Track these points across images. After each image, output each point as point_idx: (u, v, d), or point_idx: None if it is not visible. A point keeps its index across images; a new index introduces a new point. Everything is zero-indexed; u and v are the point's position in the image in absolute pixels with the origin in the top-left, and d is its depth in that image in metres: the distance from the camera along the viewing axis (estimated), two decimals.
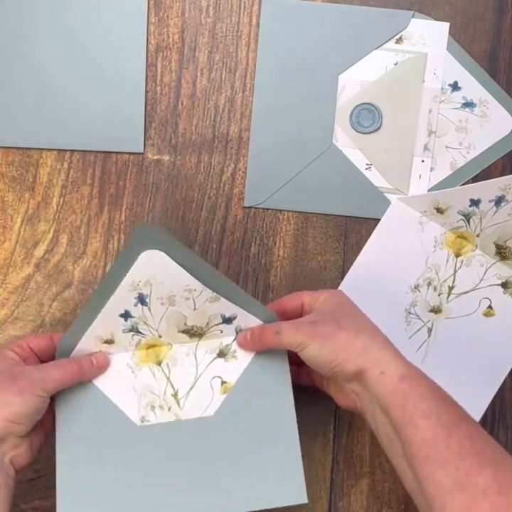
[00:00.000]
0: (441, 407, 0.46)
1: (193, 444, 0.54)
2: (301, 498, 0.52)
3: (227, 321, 0.55)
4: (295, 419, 0.54)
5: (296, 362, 0.55)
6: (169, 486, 0.52)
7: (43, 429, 0.53)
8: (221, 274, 0.53)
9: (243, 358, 0.55)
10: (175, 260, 0.50)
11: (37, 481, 0.60)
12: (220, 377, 0.55)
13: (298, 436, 0.54)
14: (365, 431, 0.63)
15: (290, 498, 0.52)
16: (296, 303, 0.56)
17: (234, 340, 0.55)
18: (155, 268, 0.50)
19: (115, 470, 0.52)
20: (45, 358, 0.54)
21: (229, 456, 0.53)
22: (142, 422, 0.54)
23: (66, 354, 0.54)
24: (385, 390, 0.47)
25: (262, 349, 0.54)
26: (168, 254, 0.50)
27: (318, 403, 0.60)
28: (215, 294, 0.52)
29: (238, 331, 0.55)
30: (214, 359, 0.55)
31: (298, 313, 0.55)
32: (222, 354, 0.55)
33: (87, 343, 0.54)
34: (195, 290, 0.52)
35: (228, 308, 0.54)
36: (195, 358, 0.56)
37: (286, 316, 0.55)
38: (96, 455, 0.53)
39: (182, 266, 0.50)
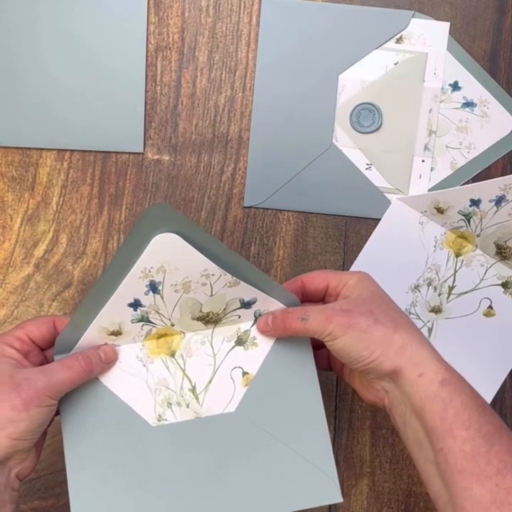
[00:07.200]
0: (482, 417, 0.43)
1: (214, 444, 0.49)
2: (336, 496, 0.49)
3: (246, 305, 0.50)
4: (323, 411, 0.49)
5: (313, 345, 0.51)
6: (190, 491, 0.48)
7: (46, 430, 0.49)
8: (238, 254, 0.49)
9: (264, 345, 0.50)
10: (189, 242, 0.45)
11: (37, 481, 0.60)
12: (240, 367, 0.50)
13: (327, 428, 0.49)
14: (365, 431, 0.63)
15: (324, 497, 0.48)
16: (319, 284, 0.51)
17: (253, 325, 0.51)
18: (169, 253, 0.45)
19: (131, 477, 0.48)
20: (49, 346, 0.50)
21: (254, 456, 0.49)
22: (159, 420, 0.49)
23: (67, 347, 0.49)
24: (423, 395, 0.44)
25: (285, 335, 0.50)
26: (182, 236, 0.45)
27: None
28: (234, 278, 0.47)
29: (257, 316, 0.51)
30: (233, 347, 0.51)
31: (320, 296, 0.52)
32: (240, 341, 0.51)
33: (92, 335, 0.49)
34: (213, 275, 0.47)
35: (248, 292, 0.49)
36: (212, 346, 0.51)
37: (307, 297, 0.52)
38: (109, 462, 0.48)
39: (197, 248, 0.45)
